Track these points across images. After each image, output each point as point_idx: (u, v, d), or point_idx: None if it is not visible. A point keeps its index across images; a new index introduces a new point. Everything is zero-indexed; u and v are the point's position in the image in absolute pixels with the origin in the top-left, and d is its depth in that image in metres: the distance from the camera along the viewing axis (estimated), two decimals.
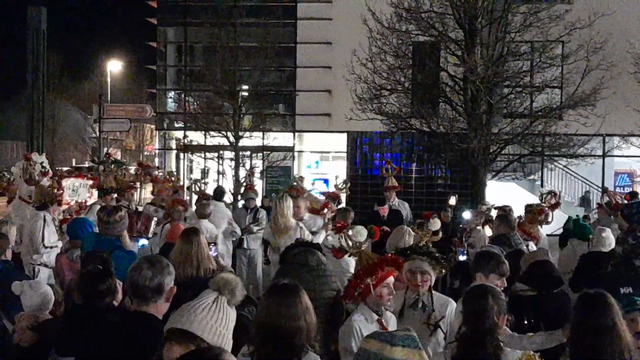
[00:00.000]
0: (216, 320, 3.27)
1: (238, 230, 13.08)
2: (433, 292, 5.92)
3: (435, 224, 9.09)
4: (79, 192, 13.33)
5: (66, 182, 13.23)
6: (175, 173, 23.59)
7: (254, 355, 4.19)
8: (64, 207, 12.55)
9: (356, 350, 3.13)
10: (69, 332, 4.96)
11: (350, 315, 5.31)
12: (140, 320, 4.21)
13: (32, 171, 12.66)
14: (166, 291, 4.33)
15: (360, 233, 6.21)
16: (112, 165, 15.68)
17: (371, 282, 5.09)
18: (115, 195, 13.06)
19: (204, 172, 29.20)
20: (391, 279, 5.20)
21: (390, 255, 5.60)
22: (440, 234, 9.79)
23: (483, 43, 19.28)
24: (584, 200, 27.74)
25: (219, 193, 14.31)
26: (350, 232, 6.36)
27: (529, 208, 12.36)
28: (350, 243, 6.29)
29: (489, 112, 19.70)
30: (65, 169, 27.57)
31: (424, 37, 20.95)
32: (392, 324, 5.31)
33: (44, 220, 10.67)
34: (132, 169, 24.77)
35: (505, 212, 11.33)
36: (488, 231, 11.14)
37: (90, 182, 13.79)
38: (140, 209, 13.27)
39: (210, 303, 3.32)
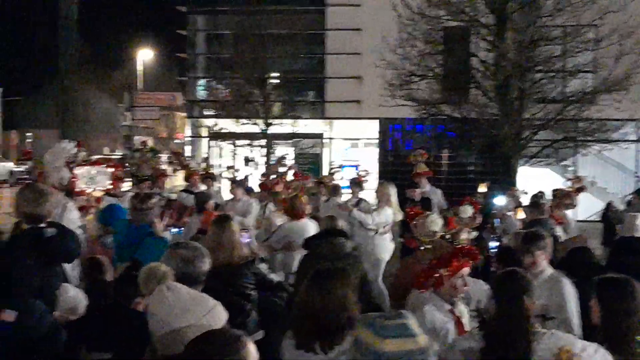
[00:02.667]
0: (195, 306, 3.17)
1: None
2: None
3: (466, 211, 9.02)
4: (96, 179, 13.24)
5: (80, 171, 13.19)
6: (207, 161, 23.68)
7: (294, 339, 4.17)
8: (82, 196, 12.49)
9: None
10: (99, 329, 4.99)
11: (420, 304, 5.22)
12: None
13: (73, 158, 12.70)
14: (201, 276, 4.34)
15: (435, 222, 6.13)
16: (148, 154, 15.69)
17: (445, 273, 5.04)
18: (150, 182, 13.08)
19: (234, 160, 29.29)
20: (466, 270, 5.14)
21: (467, 246, 5.52)
22: (477, 221, 9.68)
23: (514, 28, 19.06)
24: None
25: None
26: (425, 221, 6.27)
27: (555, 193, 12.27)
28: (425, 232, 6.21)
29: (520, 98, 19.50)
30: (96, 157, 27.78)
31: (454, 22, 20.75)
32: (465, 315, 5.25)
33: (65, 207, 10.65)
34: (164, 156, 24.92)
35: (537, 197, 11.24)
36: (521, 214, 11.05)
37: (110, 169, 13.71)
38: (173, 196, 13.31)
39: (172, 299, 3.16)
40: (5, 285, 5.24)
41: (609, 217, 15.51)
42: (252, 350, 2.75)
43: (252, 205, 12.04)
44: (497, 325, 4.18)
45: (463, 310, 5.28)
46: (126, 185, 14.10)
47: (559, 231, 9.80)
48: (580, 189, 13.11)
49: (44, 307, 5.39)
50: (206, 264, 4.60)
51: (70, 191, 10.99)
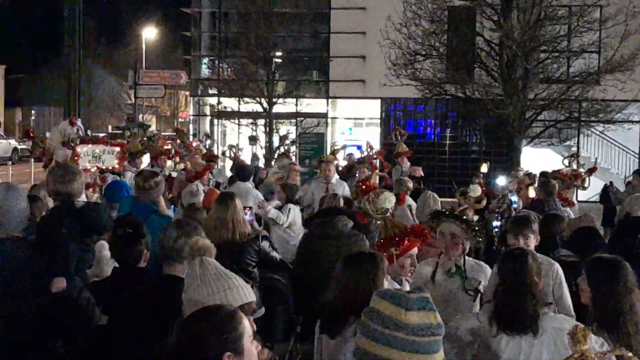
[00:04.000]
0: (214, 282, 3.25)
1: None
2: (467, 258, 5.87)
3: (476, 190, 8.99)
4: (102, 158, 13.22)
5: (82, 149, 13.17)
6: (210, 137, 23.66)
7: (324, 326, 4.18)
8: (86, 173, 12.51)
9: None
10: (109, 294, 5.08)
11: None
12: (171, 283, 4.23)
13: (73, 136, 12.71)
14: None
15: (389, 199, 6.10)
16: (137, 129, 15.65)
17: (395, 252, 4.95)
18: (148, 159, 13.01)
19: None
20: (415, 250, 5.07)
21: (417, 225, 5.49)
22: (485, 202, 9.69)
23: (520, 7, 19.00)
24: None
25: (243, 173, 11.67)
26: (377, 197, 6.26)
27: (556, 174, 12.27)
28: (375, 208, 6.19)
29: (525, 78, 19.47)
30: (102, 135, 27.82)
31: (459, 1, 20.70)
32: None
33: None
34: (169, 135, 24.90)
35: (546, 178, 11.21)
36: (532, 192, 11.08)
37: (117, 148, 13.70)
38: (174, 174, 13.33)
39: (199, 273, 3.29)
40: (48, 257, 5.30)
41: (608, 198, 15.55)
42: (247, 325, 2.81)
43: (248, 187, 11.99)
44: (503, 302, 4.21)
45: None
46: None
47: (569, 212, 9.79)
48: (591, 170, 13.09)
49: (81, 282, 5.47)
50: None
51: None
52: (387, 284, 4.42)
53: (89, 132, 13.40)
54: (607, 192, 16.56)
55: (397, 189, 10.27)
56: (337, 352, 4.06)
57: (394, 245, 4.98)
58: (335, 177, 11.86)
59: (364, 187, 6.82)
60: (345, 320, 4.04)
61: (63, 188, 5.72)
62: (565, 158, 13.41)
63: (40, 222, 5.91)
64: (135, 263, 5.21)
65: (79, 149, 12.86)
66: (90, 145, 13.40)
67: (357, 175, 14.90)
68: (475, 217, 8.71)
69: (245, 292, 3.27)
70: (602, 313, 4.24)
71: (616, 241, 8.65)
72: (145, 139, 17.52)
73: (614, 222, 15.81)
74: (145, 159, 14.99)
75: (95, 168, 12.86)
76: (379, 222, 5.77)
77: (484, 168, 16.43)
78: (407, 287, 4.99)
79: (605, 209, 16.10)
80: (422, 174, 13.54)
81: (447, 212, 5.83)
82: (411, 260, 5.03)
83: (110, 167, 13.01)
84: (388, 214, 5.76)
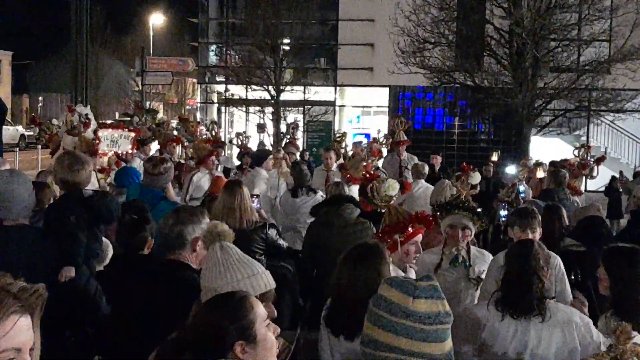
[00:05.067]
0: (238, 268, 3.21)
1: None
2: (471, 246, 5.88)
3: (475, 177, 8.97)
4: (119, 143, 13.37)
5: (103, 133, 13.30)
6: (217, 124, 23.63)
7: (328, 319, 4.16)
8: (103, 157, 12.63)
9: None
10: (113, 281, 5.05)
11: None
12: (174, 268, 4.18)
13: (74, 122, 12.76)
14: (189, 241, 4.28)
15: (393, 187, 6.06)
16: (145, 116, 15.66)
17: (399, 239, 4.92)
18: (158, 146, 13.06)
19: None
20: (419, 237, 5.03)
21: (421, 212, 5.48)
22: (478, 189, 9.69)
23: None
24: None
25: (258, 158, 11.65)
26: (381, 185, 6.21)
27: (563, 163, 12.24)
28: (380, 196, 6.14)
29: (534, 66, 19.35)
30: (109, 121, 27.85)
31: None
32: None
33: None
34: (174, 123, 24.90)
35: (555, 167, 11.18)
36: (540, 173, 11.03)
37: (132, 134, 13.82)
38: (182, 162, 13.33)
39: (221, 258, 3.23)
40: (56, 246, 5.29)
41: (613, 189, 15.49)
42: (260, 311, 2.75)
43: (261, 173, 11.92)
44: (509, 286, 4.17)
45: (413, 277, 5.26)
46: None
47: (578, 201, 9.76)
48: (600, 160, 13.04)
49: (89, 272, 5.45)
50: (195, 229, 4.59)
51: (93, 153, 11.00)
52: (393, 272, 4.39)
53: (90, 117, 13.42)
54: (612, 185, 16.54)
55: (415, 173, 10.69)
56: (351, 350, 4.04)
57: (398, 232, 4.94)
58: (335, 165, 11.84)
59: (368, 176, 6.79)
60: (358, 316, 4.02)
61: (71, 177, 5.69)
62: (576, 149, 13.34)
63: (47, 211, 5.88)
64: (138, 250, 5.18)
65: (100, 133, 13.00)
66: (110, 130, 13.55)
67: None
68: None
69: (268, 279, 3.23)
70: (620, 301, 4.23)
71: (628, 231, 8.58)
72: (154, 125, 17.53)
73: (618, 214, 15.81)
74: (154, 146, 15.01)
75: (112, 153, 12.97)
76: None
77: (495, 157, 16.39)
78: (412, 274, 4.98)
79: (610, 202, 16.04)
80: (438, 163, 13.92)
81: (455, 204, 5.83)
82: (416, 247, 4.99)
83: (124, 152, 13.12)
84: (392, 201, 5.75)
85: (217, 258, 3.21)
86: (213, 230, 3.80)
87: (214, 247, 3.29)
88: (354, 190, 9.20)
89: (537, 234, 5.85)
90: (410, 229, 4.96)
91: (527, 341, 4.06)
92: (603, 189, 18.13)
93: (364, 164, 10.34)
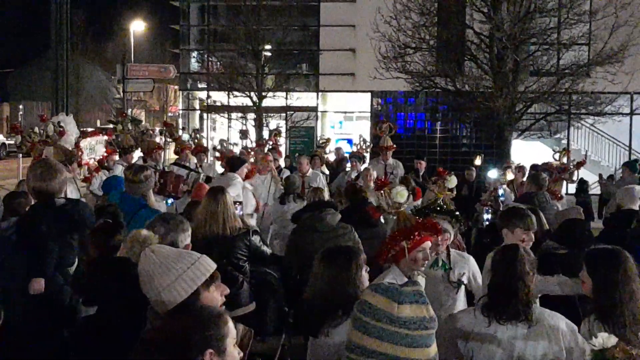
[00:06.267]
0: (179, 261, 3.22)
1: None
2: (450, 249, 5.93)
3: (452, 181, 9.03)
4: (95, 149, 13.37)
5: (83, 143, 13.28)
6: (199, 132, 23.56)
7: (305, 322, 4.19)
8: (84, 167, 12.60)
9: None
10: (90, 285, 5.02)
11: (381, 276, 5.20)
12: None
13: (47, 132, 12.67)
14: (181, 248, 4.28)
15: (401, 194, 6.08)
16: (129, 124, 15.63)
17: (407, 246, 4.93)
18: (140, 154, 13.01)
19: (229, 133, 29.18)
20: (428, 244, 5.05)
21: (430, 219, 5.49)
22: (455, 192, 9.75)
23: None
24: None
25: (233, 164, 10.88)
26: (391, 192, 6.23)
27: (545, 167, 12.33)
28: (390, 203, 6.17)
29: (515, 70, 19.46)
30: (90, 129, 27.70)
31: None
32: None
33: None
34: (157, 130, 24.80)
35: (536, 171, 11.27)
36: (510, 175, 11.09)
37: (105, 137, 13.80)
38: (166, 169, 13.28)
39: (158, 259, 3.22)
40: (29, 256, 5.25)
41: (584, 192, 15.63)
42: (232, 328, 2.79)
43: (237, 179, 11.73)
44: (495, 291, 4.18)
45: (422, 283, 5.28)
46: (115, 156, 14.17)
47: (558, 206, 9.81)
48: (580, 164, 13.17)
49: (62, 280, 5.40)
50: (187, 238, 4.59)
51: (78, 163, 10.96)
52: (399, 278, 4.43)
53: (63, 125, 13.35)
54: (582, 187, 16.76)
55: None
56: (321, 351, 4.06)
57: (405, 239, 4.96)
58: (310, 171, 11.87)
59: (379, 182, 6.82)
60: (326, 317, 4.04)
61: (43, 186, 5.65)
62: (555, 153, 13.44)
63: (19, 220, 5.84)
64: (113, 252, 5.16)
65: (81, 144, 12.98)
66: (88, 139, 13.53)
67: (347, 169, 14.93)
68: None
69: (208, 262, 3.26)
70: (602, 303, 4.23)
71: (607, 234, 8.66)
72: (137, 134, 17.48)
73: (588, 217, 15.95)
74: (136, 154, 14.96)
75: (93, 160, 12.95)
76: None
77: (478, 161, 16.50)
78: (421, 281, 4.95)
79: (577, 202, 16.14)
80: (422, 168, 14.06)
81: (433, 208, 5.88)
82: (423, 254, 5.01)
83: (100, 157, 13.09)
84: (402, 208, 5.80)
85: (154, 260, 3.20)
86: (139, 239, 3.83)
87: (145, 252, 3.27)
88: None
89: (519, 232, 5.87)
90: (417, 236, 4.98)
91: (514, 347, 4.06)
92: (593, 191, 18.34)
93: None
